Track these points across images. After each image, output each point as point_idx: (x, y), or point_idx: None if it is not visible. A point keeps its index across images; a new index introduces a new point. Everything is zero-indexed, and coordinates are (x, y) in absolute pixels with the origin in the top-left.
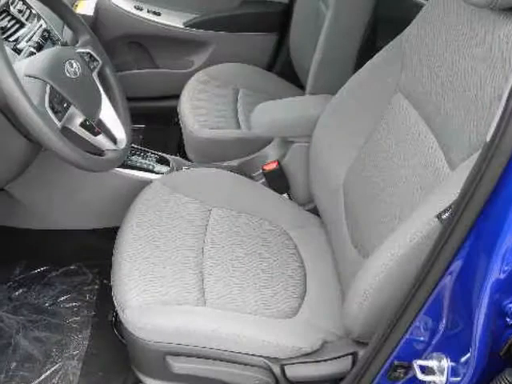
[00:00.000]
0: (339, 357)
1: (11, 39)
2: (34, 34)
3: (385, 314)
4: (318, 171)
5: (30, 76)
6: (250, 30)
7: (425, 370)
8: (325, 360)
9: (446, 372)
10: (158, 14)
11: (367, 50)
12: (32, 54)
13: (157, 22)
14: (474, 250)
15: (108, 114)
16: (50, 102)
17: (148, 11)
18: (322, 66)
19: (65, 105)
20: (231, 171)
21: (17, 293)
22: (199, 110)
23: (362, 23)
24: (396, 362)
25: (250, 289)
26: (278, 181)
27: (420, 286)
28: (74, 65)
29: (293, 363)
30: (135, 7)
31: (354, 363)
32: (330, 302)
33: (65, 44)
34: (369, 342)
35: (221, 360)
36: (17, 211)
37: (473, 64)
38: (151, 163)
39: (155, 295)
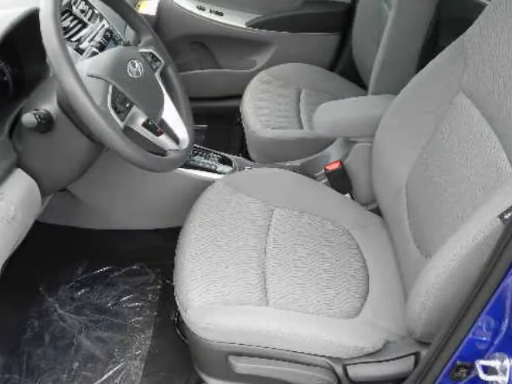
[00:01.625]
0: (401, 357)
1: (74, 39)
2: (97, 34)
3: (447, 314)
4: (380, 171)
5: (92, 76)
6: (312, 30)
7: (487, 370)
8: (387, 360)
9: (508, 372)
10: (221, 14)
11: (429, 50)
12: (94, 54)
13: (219, 22)
14: None
15: (170, 114)
16: (113, 102)
17: (210, 11)
18: (385, 66)
19: (127, 105)
20: (294, 171)
21: (79, 293)
22: (261, 110)
23: (424, 23)
24: (458, 362)
25: (312, 289)
26: (340, 181)
27: (482, 286)
28: (137, 65)
29: (355, 363)
30: (197, 7)
31: (416, 363)
32: (393, 302)
33: (127, 44)
34: (431, 342)
35: (283, 360)
36: (79, 211)
37: None
38: (213, 163)
39: (217, 295)
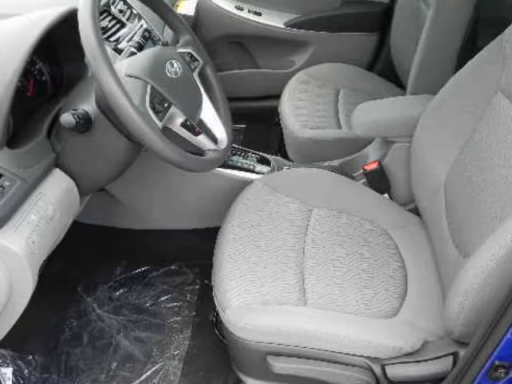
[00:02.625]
0: (440, 357)
1: (112, 39)
2: (135, 34)
3: (485, 313)
4: (419, 171)
5: (130, 76)
6: (350, 30)
7: None
8: (425, 360)
9: None
10: (259, 14)
11: (468, 49)
12: (133, 54)
13: (258, 22)
14: None
15: (209, 114)
16: (151, 102)
17: (249, 11)
18: (423, 66)
19: (165, 105)
20: (332, 171)
21: (117, 293)
22: (300, 109)
23: (462, 23)
24: (497, 362)
25: (350, 289)
26: (378, 181)
27: None
28: (175, 65)
29: (393, 363)
30: (236, 7)
31: (454, 363)
32: (431, 302)
33: (165, 44)
34: (470, 342)
35: (321, 360)
36: (117, 211)
37: None
38: (252, 163)
39: (256, 295)
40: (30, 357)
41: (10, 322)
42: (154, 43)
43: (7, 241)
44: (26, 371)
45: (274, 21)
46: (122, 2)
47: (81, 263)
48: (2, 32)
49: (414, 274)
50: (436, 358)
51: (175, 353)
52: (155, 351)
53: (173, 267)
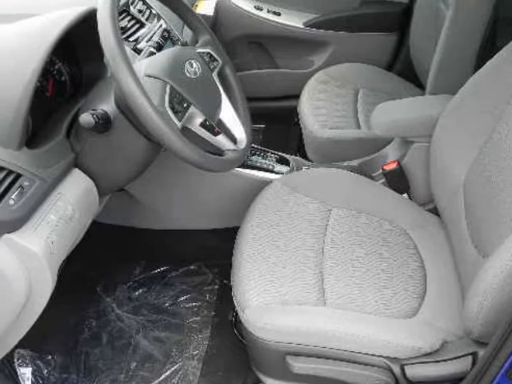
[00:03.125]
0: (459, 357)
1: (131, 39)
2: (154, 34)
3: (505, 313)
4: (438, 171)
5: (149, 76)
6: (369, 30)
7: None
8: (444, 360)
9: None
10: (278, 14)
11: (487, 50)
12: (152, 54)
13: (277, 22)
14: None
15: (228, 114)
16: (170, 101)
17: (268, 11)
18: (442, 66)
19: (185, 105)
20: (351, 171)
21: (137, 293)
22: (319, 109)
23: (482, 23)
24: None
25: (370, 289)
26: (397, 181)
27: None
28: (194, 65)
29: (413, 363)
30: (255, 7)
31: (473, 363)
32: (450, 302)
33: (185, 44)
34: (489, 342)
35: (341, 360)
36: (136, 211)
37: None
38: (271, 163)
39: (275, 295)
40: (49, 357)
41: (29, 322)
42: (173, 43)
43: (26, 241)
44: (45, 371)
45: (293, 21)
46: (141, 2)
47: (100, 263)
48: (22, 32)
49: (433, 274)
50: (455, 358)
51: (194, 353)
52: (174, 351)
53: (192, 267)
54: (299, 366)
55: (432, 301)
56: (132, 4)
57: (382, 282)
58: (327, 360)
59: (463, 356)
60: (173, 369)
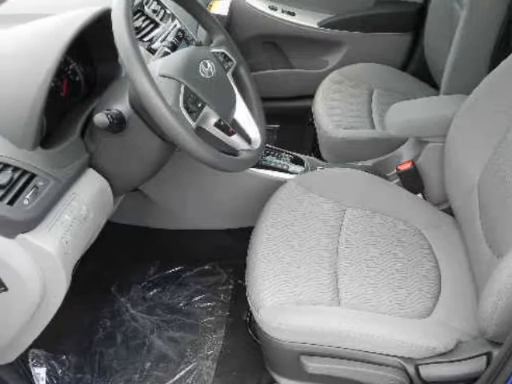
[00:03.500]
0: (473, 357)
1: (146, 39)
2: (169, 34)
3: None
4: (452, 171)
5: (164, 76)
6: (384, 29)
7: None
8: (459, 360)
9: None
10: (293, 14)
11: (502, 50)
12: (166, 54)
13: (291, 22)
14: None
15: (242, 114)
16: (185, 102)
17: (282, 11)
18: (457, 66)
19: (199, 105)
20: (366, 171)
21: (151, 293)
22: (334, 109)
23: (496, 23)
24: None
25: (384, 289)
26: (412, 181)
27: None
28: (209, 65)
29: (427, 363)
30: (270, 7)
31: (488, 363)
32: (464, 302)
33: (199, 44)
34: (503, 342)
35: (355, 360)
36: (151, 211)
37: None
38: (285, 163)
39: (289, 295)
40: (64, 357)
41: (43, 322)
42: (188, 43)
43: (41, 241)
44: (60, 371)
45: (307, 21)
46: (156, 2)
47: (114, 263)
48: (36, 32)
49: (447, 274)
50: (470, 358)
51: (209, 353)
52: (189, 351)
53: (206, 267)
54: (313, 366)
55: (446, 301)
56: (146, 4)
57: (396, 282)
58: (341, 360)
59: (477, 356)
60: (187, 369)
